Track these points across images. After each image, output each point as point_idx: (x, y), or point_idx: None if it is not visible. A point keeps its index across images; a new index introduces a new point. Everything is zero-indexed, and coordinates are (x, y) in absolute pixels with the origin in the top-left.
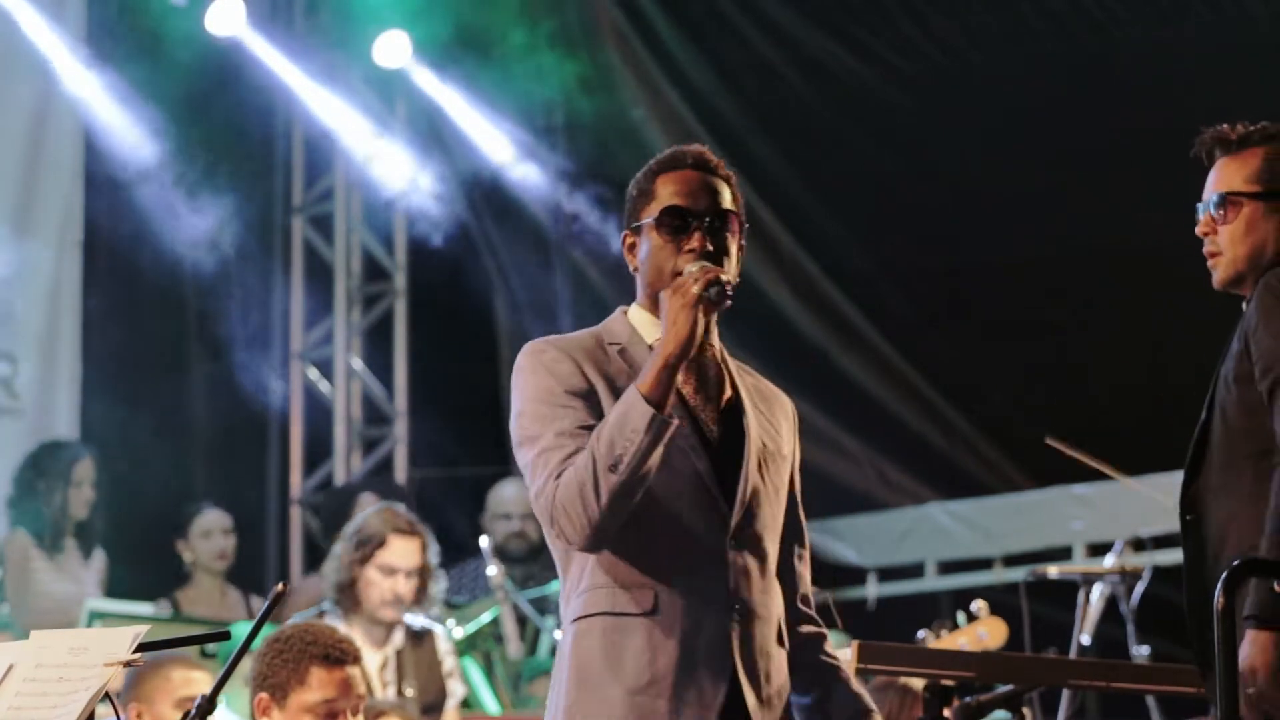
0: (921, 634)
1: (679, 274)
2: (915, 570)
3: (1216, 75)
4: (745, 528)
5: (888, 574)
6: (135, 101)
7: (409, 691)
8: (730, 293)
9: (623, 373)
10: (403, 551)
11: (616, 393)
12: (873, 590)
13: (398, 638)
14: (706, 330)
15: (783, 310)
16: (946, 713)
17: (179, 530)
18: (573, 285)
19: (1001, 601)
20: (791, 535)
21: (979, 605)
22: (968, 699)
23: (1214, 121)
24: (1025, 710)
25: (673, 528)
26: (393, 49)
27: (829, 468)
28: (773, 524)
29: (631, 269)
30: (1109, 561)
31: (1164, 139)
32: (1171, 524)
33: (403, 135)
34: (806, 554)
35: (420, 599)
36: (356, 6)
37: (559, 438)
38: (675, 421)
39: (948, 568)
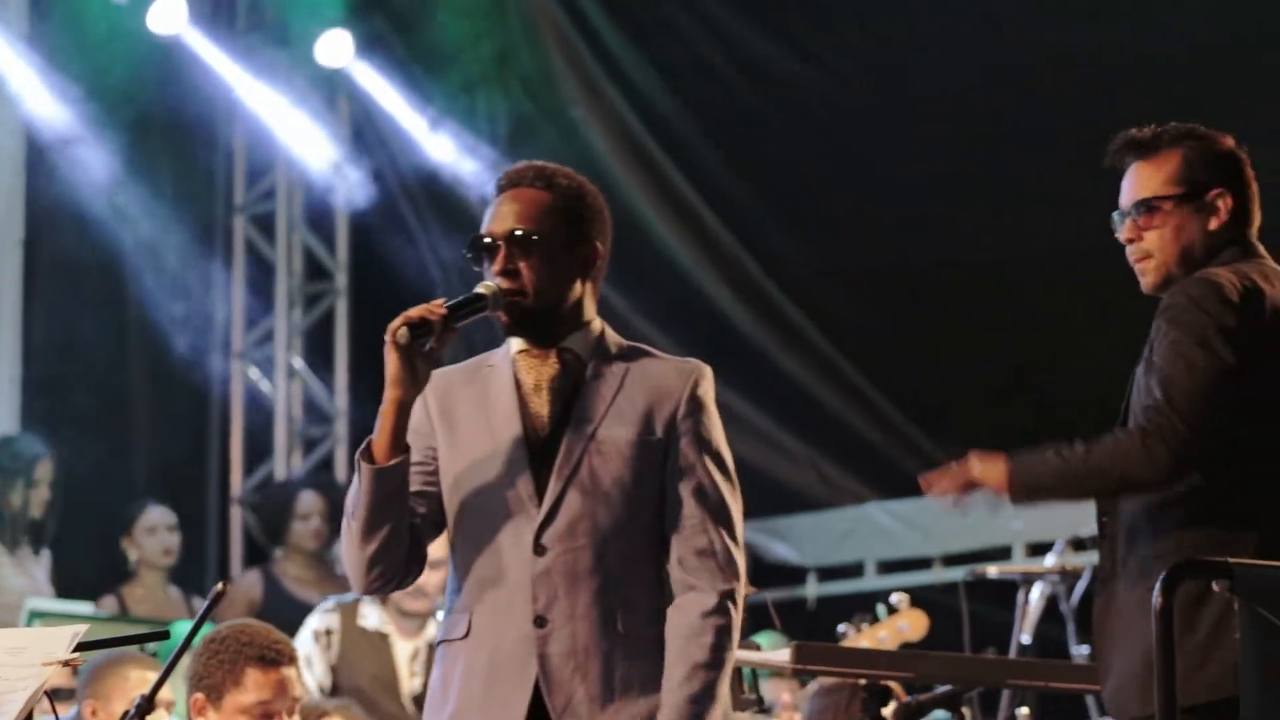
0: (842, 628)
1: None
2: (855, 570)
3: (1154, 77)
4: (554, 530)
5: (827, 574)
6: (77, 100)
7: None
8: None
9: (476, 393)
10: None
11: (453, 416)
12: (812, 590)
13: (431, 630)
14: (413, 369)
15: (723, 309)
16: (885, 712)
17: (124, 528)
18: None
19: (941, 601)
20: (673, 515)
21: (898, 598)
22: (908, 699)
23: (1154, 123)
24: (965, 710)
25: (486, 546)
26: (334, 48)
27: (769, 467)
28: (604, 520)
29: None
30: (1049, 561)
31: (1107, 140)
32: None
33: (345, 134)
34: (703, 536)
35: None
36: (298, 5)
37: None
38: (387, 465)
39: (887, 567)
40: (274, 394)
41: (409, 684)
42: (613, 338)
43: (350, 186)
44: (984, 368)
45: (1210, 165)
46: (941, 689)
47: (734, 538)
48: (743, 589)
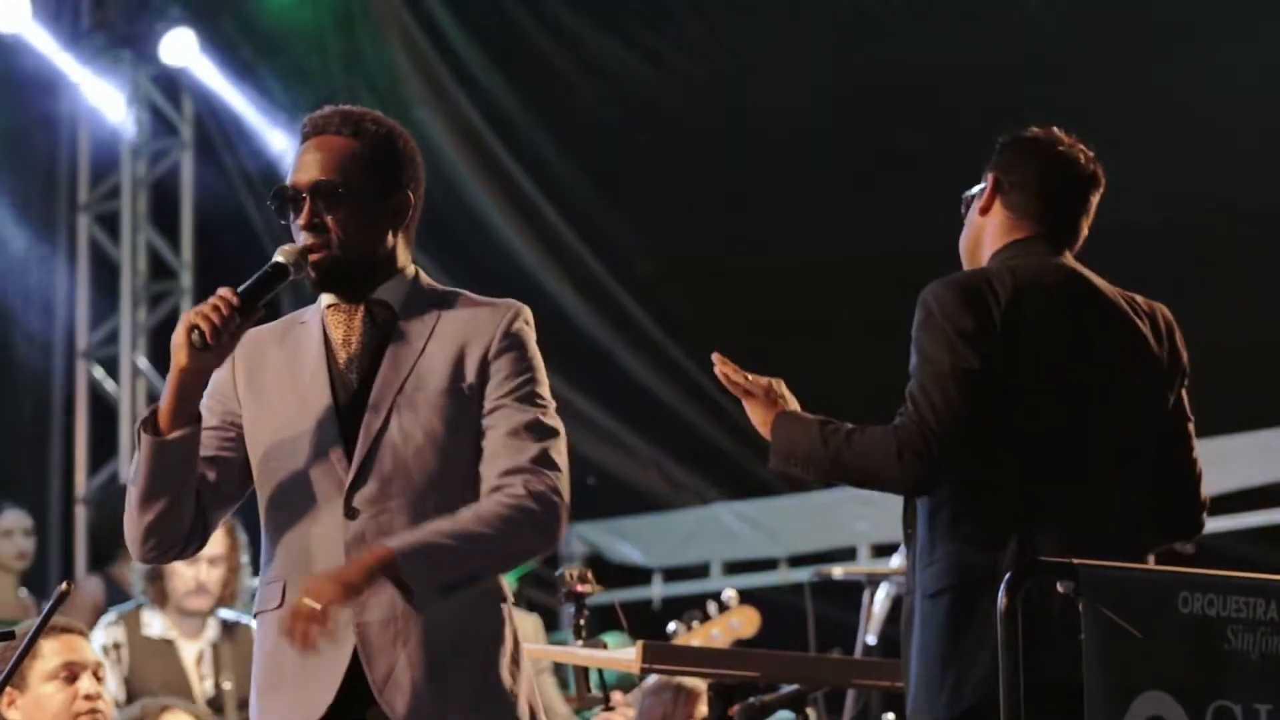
0: (672, 626)
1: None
2: (700, 570)
3: (1005, 77)
4: (366, 491)
5: (673, 574)
6: None
7: (226, 685)
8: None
9: (287, 350)
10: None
11: (258, 375)
12: (658, 591)
13: (211, 630)
14: (196, 359)
15: (566, 310)
16: (730, 712)
17: None
18: None
19: (787, 602)
20: (487, 455)
21: (729, 595)
22: (752, 699)
23: (998, 125)
24: (810, 710)
25: (296, 511)
26: (178, 46)
27: (614, 468)
28: (418, 477)
29: None
30: (894, 562)
31: (945, 142)
32: None
33: (189, 133)
34: (500, 451)
35: (228, 590)
36: (142, 3)
37: None
38: (171, 438)
39: (733, 568)
40: (119, 393)
41: (200, 687)
42: (427, 283)
43: (195, 185)
44: (830, 370)
45: (1004, 165)
46: (787, 689)
47: (558, 455)
48: (565, 497)
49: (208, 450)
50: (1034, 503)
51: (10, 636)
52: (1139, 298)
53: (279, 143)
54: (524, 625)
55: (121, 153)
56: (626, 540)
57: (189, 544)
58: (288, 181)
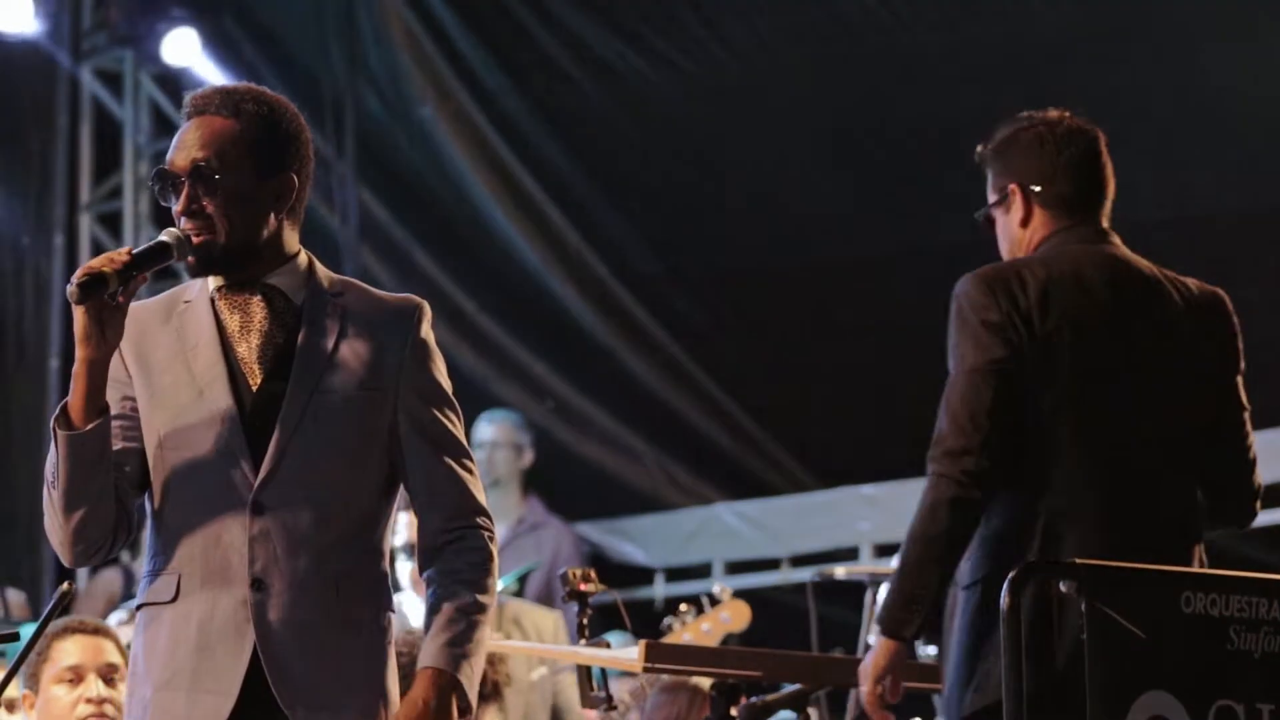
0: (667, 622)
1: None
2: (702, 570)
3: (1004, 75)
4: (275, 489)
5: (675, 574)
6: None
7: None
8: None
9: (173, 336)
10: None
11: (150, 363)
12: (660, 590)
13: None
14: (101, 324)
15: (569, 310)
16: (733, 712)
17: None
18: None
19: (789, 602)
20: (409, 472)
21: (720, 589)
22: (754, 698)
23: (1001, 121)
24: (811, 710)
25: (195, 504)
26: (181, 46)
27: (616, 468)
28: (330, 477)
29: None
30: (896, 562)
31: (951, 141)
32: None
33: None
34: (440, 482)
35: None
36: (144, 3)
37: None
38: (85, 430)
39: (735, 568)
40: None
41: None
42: (323, 273)
43: None
44: (832, 370)
45: (998, 160)
46: (789, 688)
47: (473, 473)
48: (491, 520)
49: (116, 441)
50: (1068, 493)
51: (15, 638)
52: (1191, 282)
53: None
54: (544, 623)
55: (124, 152)
56: (629, 540)
57: (116, 540)
58: (165, 163)
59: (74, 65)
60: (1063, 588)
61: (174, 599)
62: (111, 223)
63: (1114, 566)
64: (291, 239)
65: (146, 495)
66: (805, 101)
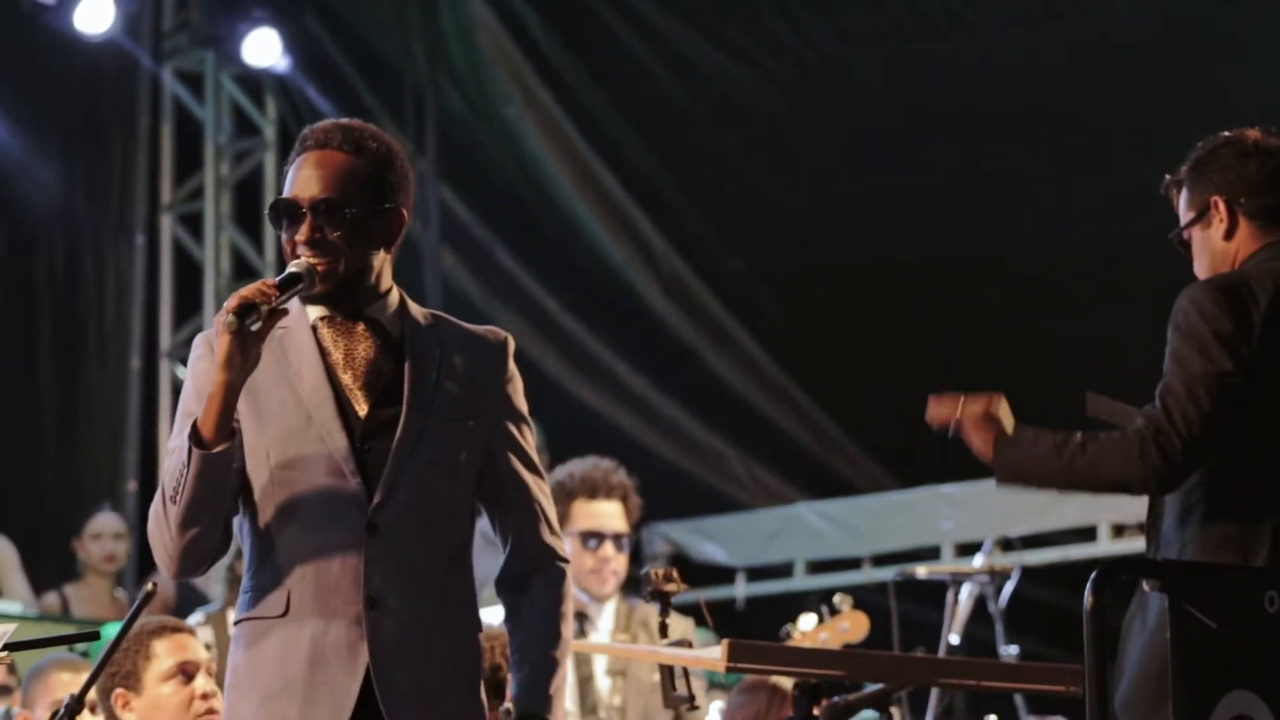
0: (785, 629)
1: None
2: (784, 570)
3: (1087, 77)
4: (390, 511)
5: (756, 574)
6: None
7: None
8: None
9: (274, 358)
10: None
11: (254, 383)
12: (741, 590)
13: None
14: (244, 350)
15: (654, 310)
16: (815, 711)
17: (75, 529)
18: (444, 286)
19: (870, 601)
20: (502, 493)
21: (840, 599)
22: (836, 698)
23: (1084, 122)
24: (894, 709)
25: (306, 523)
26: (261, 46)
27: (699, 468)
28: (439, 502)
29: None
30: (977, 561)
31: (1035, 141)
32: (1039, 524)
33: (272, 132)
34: (534, 506)
35: None
36: (225, 3)
37: (171, 455)
38: (218, 450)
39: (817, 567)
40: None
41: None
42: (415, 308)
43: (278, 186)
44: (915, 370)
45: (1198, 176)
46: (871, 688)
47: (548, 495)
48: (566, 560)
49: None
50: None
51: (95, 636)
52: None
53: None
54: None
55: (205, 153)
56: (711, 539)
57: (218, 556)
58: (288, 194)
59: (155, 66)
60: (1146, 586)
61: (284, 614)
62: (192, 223)
63: (1197, 565)
64: (388, 274)
65: (246, 512)
66: (887, 99)
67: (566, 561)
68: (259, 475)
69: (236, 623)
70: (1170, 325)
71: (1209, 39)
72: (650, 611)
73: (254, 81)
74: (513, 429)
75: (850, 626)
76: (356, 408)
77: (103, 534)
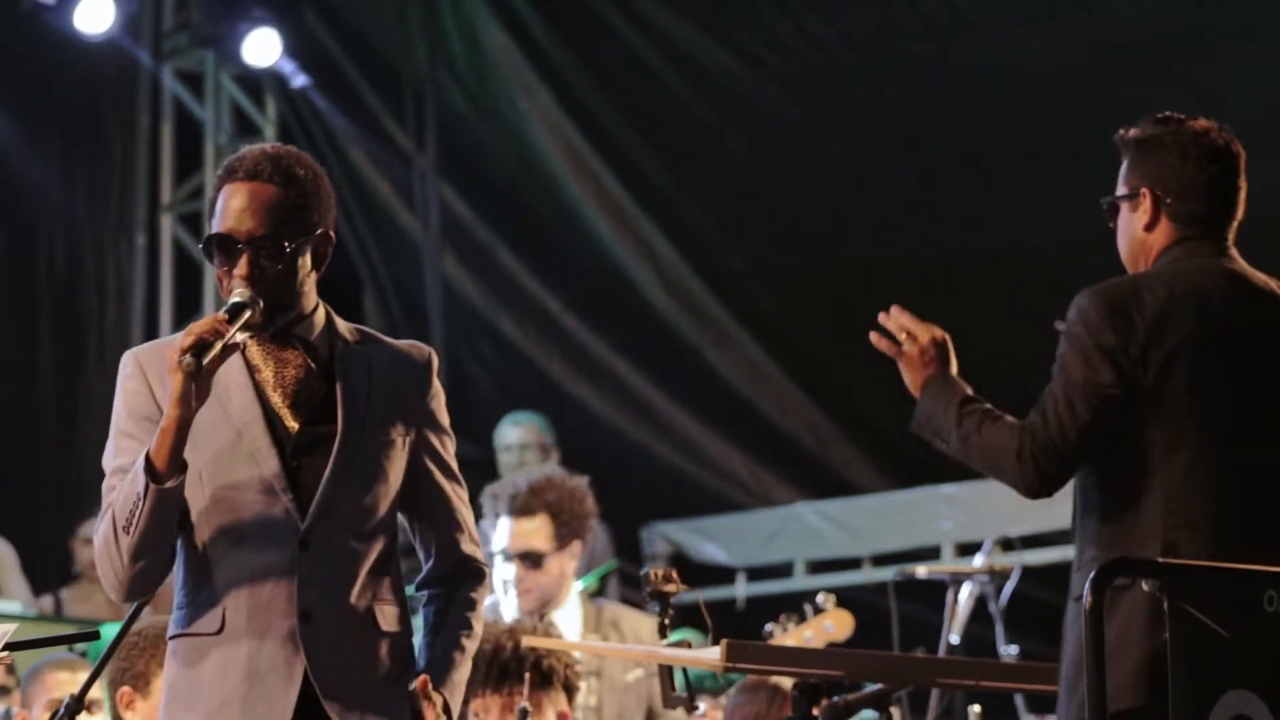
0: (769, 628)
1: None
2: (784, 570)
3: (1088, 77)
4: (322, 527)
5: (756, 574)
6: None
7: None
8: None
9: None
10: None
11: None
12: (741, 590)
13: None
14: (201, 387)
15: (655, 309)
16: (815, 711)
17: (71, 530)
18: (444, 287)
19: (870, 601)
20: (424, 504)
21: (824, 598)
22: (836, 698)
23: (1084, 122)
24: (894, 709)
25: (239, 542)
26: (261, 46)
27: (698, 468)
28: (367, 516)
29: None
30: (978, 561)
31: (1035, 139)
32: (1039, 524)
33: (272, 132)
34: (455, 517)
35: None
36: (225, 3)
37: (114, 475)
38: (171, 484)
39: (817, 567)
40: None
41: None
42: (341, 324)
43: None
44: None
45: (1139, 156)
46: (871, 688)
47: (467, 505)
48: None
49: None
50: (1183, 508)
51: (95, 636)
52: None
53: (361, 142)
54: (642, 627)
55: (205, 153)
56: (710, 539)
57: (163, 579)
58: (221, 228)
59: (155, 66)
60: (1145, 587)
61: (219, 631)
62: (192, 223)
63: (1196, 565)
64: (313, 291)
65: (180, 529)
66: (888, 98)
67: (486, 568)
68: (193, 495)
69: (171, 638)
70: (1063, 329)
71: (1209, 39)
72: (620, 611)
73: (254, 81)
74: (435, 441)
75: (835, 625)
76: (287, 424)
77: (92, 538)
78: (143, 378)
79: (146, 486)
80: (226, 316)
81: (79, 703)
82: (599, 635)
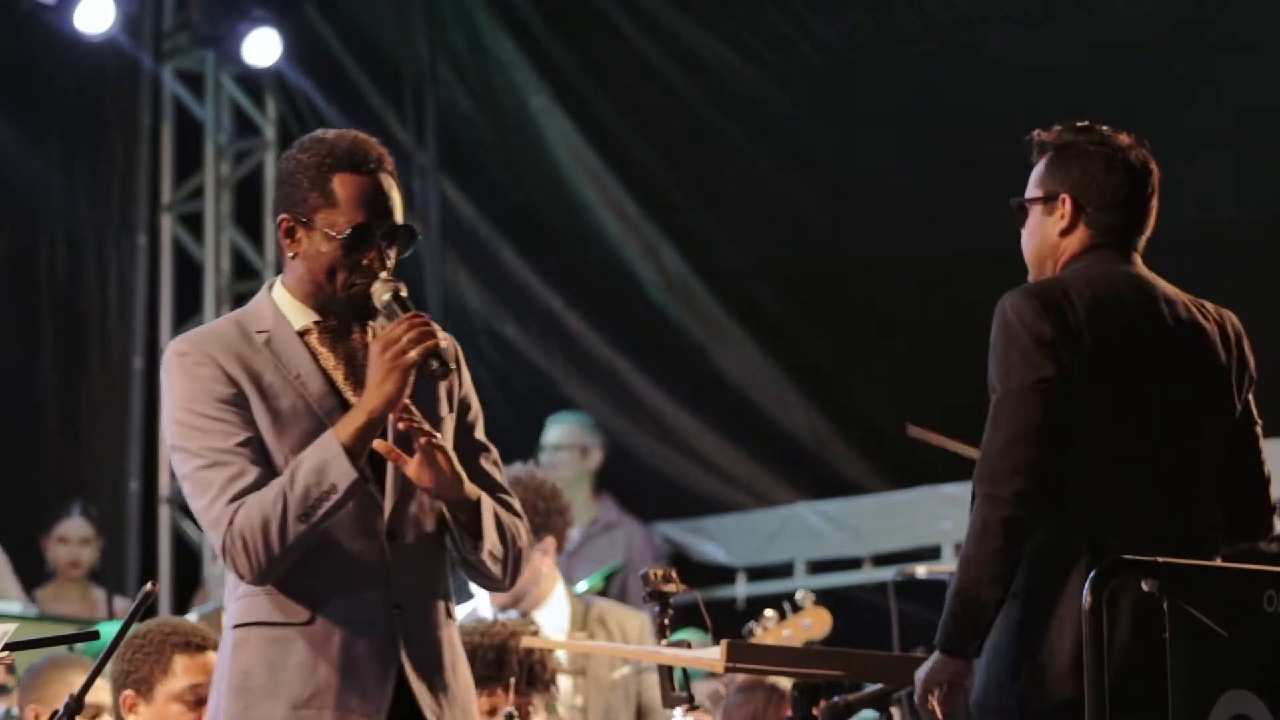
0: (749, 626)
1: (353, 286)
2: (784, 570)
3: (1088, 76)
4: (403, 516)
5: (756, 574)
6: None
7: None
8: (448, 363)
9: (270, 364)
10: None
11: (264, 388)
12: (741, 590)
13: None
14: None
15: (655, 308)
16: (815, 711)
17: (44, 529)
18: (444, 285)
19: (870, 601)
20: (474, 478)
21: (802, 595)
22: (836, 698)
23: (1080, 120)
24: (894, 709)
25: (327, 530)
26: (262, 46)
27: (698, 467)
28: (436, 505)
29: (289, 254)
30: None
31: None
32: None
33: (272, 132)
34: (495, 490)
35: None
36: (225, 3)
37: (217, 454)
38: (367, 480)
39: (817, 567)
40: None
41: None
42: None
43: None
44: (916, 368)
45: (1061, 162)
46: (871, 688)
47: (506, 480)
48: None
49: (265, 463)
50: (1106, 510)
51: (95, 636)
52: (1208, 304)
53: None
54: (629, 624)
55: (205, 153)
56: (710, 539)
57: None
58: (397, 220)
59: (155, 66)
60: (1145, 586)
61: (309, 621)
62: (193, 223)
63: (1197, 565)
64: None
65: None
66: (889, 97)
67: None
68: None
69: (241, 626)
70: (992, 332)
71: (1209, 39)
72: (606, 608)
73: (254, 81)
74: (472, 419)
75: (813, 623)
76: None
77: (69, 538)
78: (215, 364)
79: (354, 482)
80: (423, 317)
81: (79, 703)
82: (586, 633)
